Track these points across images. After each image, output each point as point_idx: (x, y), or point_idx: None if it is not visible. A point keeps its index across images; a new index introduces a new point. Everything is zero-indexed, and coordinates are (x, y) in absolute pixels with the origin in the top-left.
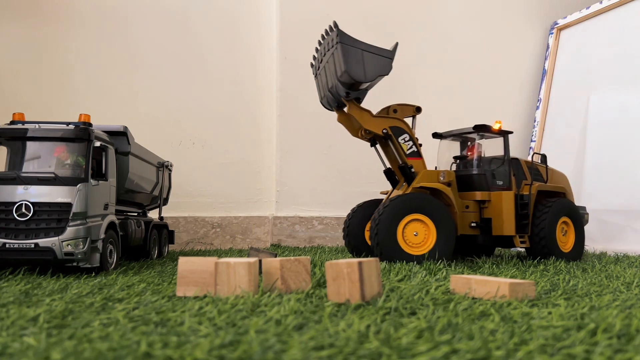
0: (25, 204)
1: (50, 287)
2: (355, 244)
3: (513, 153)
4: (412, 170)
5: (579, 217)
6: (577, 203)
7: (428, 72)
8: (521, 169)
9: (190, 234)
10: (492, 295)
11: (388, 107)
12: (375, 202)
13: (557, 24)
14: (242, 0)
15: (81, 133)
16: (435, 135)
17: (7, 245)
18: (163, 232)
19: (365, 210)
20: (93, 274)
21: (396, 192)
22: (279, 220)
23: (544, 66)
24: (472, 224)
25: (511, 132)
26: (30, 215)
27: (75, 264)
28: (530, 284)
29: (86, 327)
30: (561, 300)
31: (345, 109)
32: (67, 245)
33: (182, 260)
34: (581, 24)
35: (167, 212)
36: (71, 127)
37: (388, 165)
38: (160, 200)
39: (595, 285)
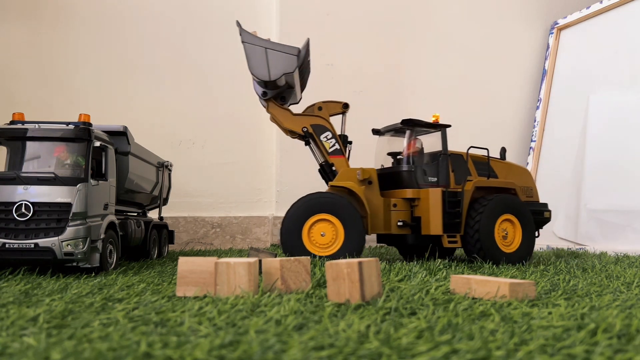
0: (25, 204)
1: (50, 287)
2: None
3: (513, 152)
4: (333, 168)
5: (526, 215)
6: (576, 202)
7: (428, 72)
8: (464, 165)
9: (190, 234)
10: (492, 295)
11: (313, 105)
12: None
13: (557, 24)
14: (242, 1)
15: (81, 133)
16: (374, 131)
17: (7, 245)
18: (163, 232)
19: None
20: (93, 274)
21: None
22: (279, 220)
23: (544, 66)
24: (399, 223)
25: (448, 126)
26: (30, 215)
27: (75, 264)
28: (531, 284)
29: (86, 327)
30: (561, 300)
31: (266, 109)
32: (67, 245)
33: (182, 260)
34: (581, 24)
35: (167, 212)
36: (71, 127)
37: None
38: (160, 200)
39: (596, 285)
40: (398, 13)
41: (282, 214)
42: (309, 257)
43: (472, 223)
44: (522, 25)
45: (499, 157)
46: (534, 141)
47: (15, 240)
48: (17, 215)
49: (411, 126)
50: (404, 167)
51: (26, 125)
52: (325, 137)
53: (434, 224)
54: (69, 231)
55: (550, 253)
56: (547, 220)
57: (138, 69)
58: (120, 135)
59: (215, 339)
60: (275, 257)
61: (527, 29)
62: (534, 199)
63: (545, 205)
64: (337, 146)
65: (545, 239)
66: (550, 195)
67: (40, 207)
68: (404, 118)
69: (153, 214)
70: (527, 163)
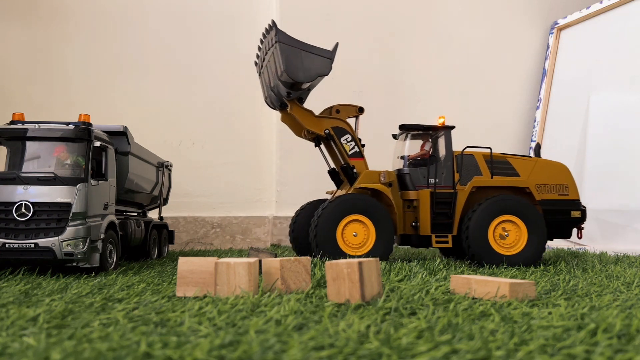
0: (25, 204)
1: (50, 287)
2: (300, 244)
3: (513, 152)
4: (354, 170)
5: (532, 216)
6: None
7: (428, 72)
8: (475, 165)
9: (190, 234)
10: (492, 295)
11: (331, 107)
12: (321, 202)
13: (557, 24)
14: (242, 1)
15: (81, 133)
16: (394, 136)
17: (7, 245)
18: (163, 232)
19: (311, 210)
20: (93, 274)
21: (340, 193)
22: (279, 220)
23: (544, 66)
24: (413, 224)
25: (453, 127)
26: (30, 215)
27: (75, 264)
28: (531, 284)
29: (86, 327)
30: (561, 301)
31: (287, 109)
32: (67, 245)
33: (182, 260)
34: (581, 24)
35: (167, 212)
36: (71, 127)
37: (333, 165)
38: (160, 200)
39: (596, 285)
40: (398, 13)
41: (282, 214)
42: (309, 257)
43: (464, 224)
44: (522, 25)
45: (532, 154)
46: (534, 141)
47: (15, 240)
48: (17, 215)
49: (406, 130)
50: (405, 170)
51: (26, 125)
52: (345, 139)
53: (423, 225)
54: (69, 231)
55: (550, 253)
56: (579, 220)
57: (138, 69)
58: (120, 135)
59: (215, 339)
60: (275, 257)
61: (527, 29)
62: (570, 197)
63: (576, 203)
64: (356, 149)
65: None
66: None
67: (40, 207)
68: (402, 123)
69: (153, 214)
70: None
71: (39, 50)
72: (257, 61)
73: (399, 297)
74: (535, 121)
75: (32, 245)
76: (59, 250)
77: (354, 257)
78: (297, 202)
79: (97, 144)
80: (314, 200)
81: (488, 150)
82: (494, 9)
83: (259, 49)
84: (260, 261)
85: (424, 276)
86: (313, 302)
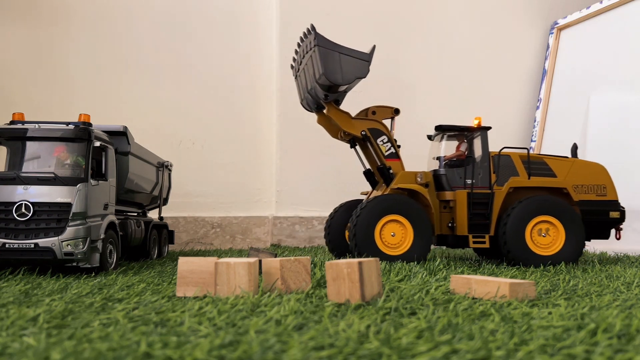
0: (25, 204)
1: (50, 287)
2: (335, 244)
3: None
4: (391, 171)
5: (570, 216)
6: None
7: (428, 72)
8: (511, 165)
9: (190, 234)
10: (492, 295)
11: (367, 109)
12: (356, 203)
13: (557, 23)
14: (242, 1)
15: (81, 133)
16: (429, 137)
17: (7, 245)
18: (163, 232)
19: (346, 211)
20: (93, 274)
21: (375, 193)
22: (279, 220)
23: (544, 66)
24: (449, 224)
25: (489, 128)
26: (30, 215)
27: (75, 264)
28: (531, 284)
29: (86, 327)
30: (561, 301)
31: (325, 111)
32: (67, 245)
33: (182, 260)
34: (581, 24)
35: (167, 212)
36: (71, 127)
37: (368, 166)
38: (160, 200)
39: (596, 285)
40: (398, 13)
41: (282, 214)
42: (308, 257)
43: (502, 224)
44: (522, 25)
45: (569, 155)
46: (534, 141)
47: (15, 240)
48: (17, 215)
49: (442, 131)
50: (441, 171)
51: (26, 125)
52: (382, 140)
53: (460, 225)
54: (69, 231)
55: None
56: (617, 220)
57: (138, 69)
58: (120, 135)
59: (215, 339)
60: (275, 257)
61: (527, 29)
62: (608, 197)
63: (615, 204)
64: (392, 150)
65: None
66: None
67: (40, 207)
68: (437, 124)
69: (153, 214)
70: None
71: (39, 50)
72: (294, 64)
73: (399, 297)
74: (535, 121)
75: (32, 245)
76: (59, 250)
77: (392, 257)
78: (297, 202)
79: (97, 144)
80: (350, 201)
81: (525, 151)
82: (494, 9)
83: (296, 52)
84: (260, 261)
85: (424, 276)
86: (313, 302)
